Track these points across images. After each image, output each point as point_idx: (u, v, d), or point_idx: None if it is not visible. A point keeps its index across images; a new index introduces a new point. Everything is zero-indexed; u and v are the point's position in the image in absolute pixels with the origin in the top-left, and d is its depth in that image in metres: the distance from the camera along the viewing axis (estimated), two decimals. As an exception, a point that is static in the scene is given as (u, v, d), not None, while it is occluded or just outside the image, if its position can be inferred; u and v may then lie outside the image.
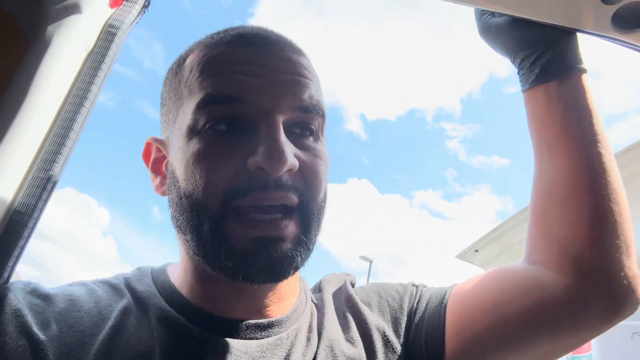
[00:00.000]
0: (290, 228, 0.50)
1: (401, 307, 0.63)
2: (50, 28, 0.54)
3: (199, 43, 0.58)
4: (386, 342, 0.59)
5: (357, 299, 0.63)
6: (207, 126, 0.51)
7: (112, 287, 0.56)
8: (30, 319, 0.47)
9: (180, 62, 0.58)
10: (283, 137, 0.50)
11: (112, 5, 0.60)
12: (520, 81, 0.67)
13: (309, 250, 0.52)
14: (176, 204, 0.52)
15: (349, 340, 0.57)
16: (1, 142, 0.49)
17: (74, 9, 0.55)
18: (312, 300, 0.63)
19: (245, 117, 0.51)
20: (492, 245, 3.50)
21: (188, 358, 0.50)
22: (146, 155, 0.61)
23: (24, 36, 0.56)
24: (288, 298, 0.58)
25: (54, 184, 0.52)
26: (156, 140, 0.61)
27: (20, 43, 0.55)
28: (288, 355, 0.53)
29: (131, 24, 0.62)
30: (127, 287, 0.56)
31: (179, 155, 0.53)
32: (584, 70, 0.62)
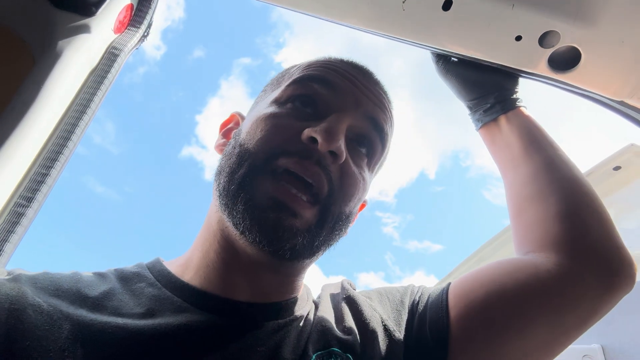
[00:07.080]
0: (307, 214, 0.51)
1: (402, 302, 0.64)
2: (60, 43, 0.59)
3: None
4: (385, 330, 0.58)
5: (356, 293, 0.64)
6: (288, 100, 0.58)
7: (98, 274, 0.55)
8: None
9: (292, 66, 0.68)
10: (344, 130, 0.55)
11: (116, 31, 0.66)
12: (473, 121, 0.83)
13: (312, 245, 0.52)
14: (228, 153, 0.57)
15: (344, 329, 0.56)
16: (7, 140, 0.52)
17: (84, 29, 0.61)
18: (312, 301, 0.63)
19: (324, 103, 0.58)
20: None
21: (178, 334, 0.47)
22: (225, 123, 0.70)
23: (30, 50, 0.60)
24: (290, 290, 0.58)
25: (53, 181, 0.55)
26: (240, 115, 0.69)
27: (26, 56, 0.59)
28: (281, 341, 0.52)
29: (132, 49, 0.68)
30: (116, 275, 0.55)
31: (252, 114, 0.59)
32: (524, 107, 0.77)
